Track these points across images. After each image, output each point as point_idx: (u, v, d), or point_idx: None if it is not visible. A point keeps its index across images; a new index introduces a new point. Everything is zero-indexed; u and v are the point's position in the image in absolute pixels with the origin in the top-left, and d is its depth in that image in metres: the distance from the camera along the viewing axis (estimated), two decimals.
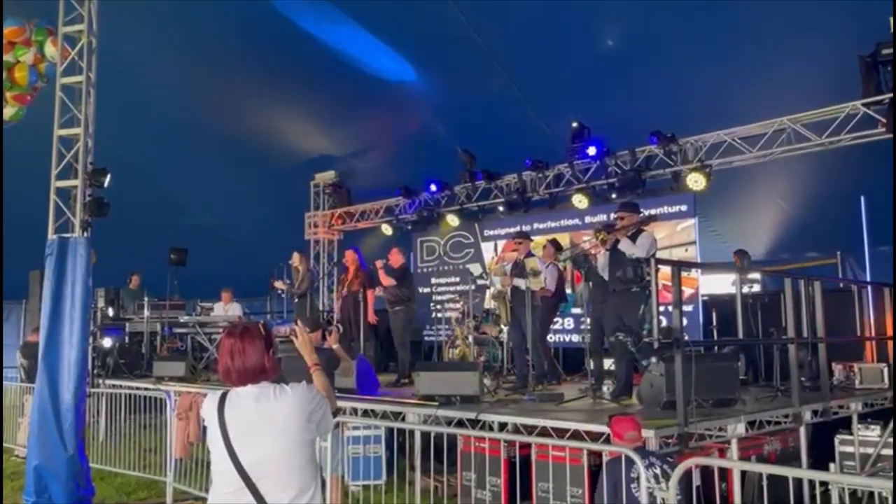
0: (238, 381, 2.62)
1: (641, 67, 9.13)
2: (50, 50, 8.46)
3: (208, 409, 2.63)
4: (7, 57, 8.81)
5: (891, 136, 7.50)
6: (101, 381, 9.56)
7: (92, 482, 7.00)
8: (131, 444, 8.30)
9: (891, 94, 7.48)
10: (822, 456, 6.50)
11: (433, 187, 12.10)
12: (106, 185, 7.44)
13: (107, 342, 10.33)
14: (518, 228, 10.69)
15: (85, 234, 7.22)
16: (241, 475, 2.49)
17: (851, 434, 6.59)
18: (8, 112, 9.18)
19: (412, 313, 9.40)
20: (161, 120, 11.31)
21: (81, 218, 7.26)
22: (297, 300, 10.50)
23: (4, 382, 10.74)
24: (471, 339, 9.19)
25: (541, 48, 9.33)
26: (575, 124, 9.89)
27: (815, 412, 6.21)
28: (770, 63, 8.45)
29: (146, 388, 8.63)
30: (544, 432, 5.42)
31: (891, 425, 6.37)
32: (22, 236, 9.38)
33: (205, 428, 2.68)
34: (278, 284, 10.44)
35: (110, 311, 11.20)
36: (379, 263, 9.09)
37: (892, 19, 7.13)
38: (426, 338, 12.24)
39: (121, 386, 9.12)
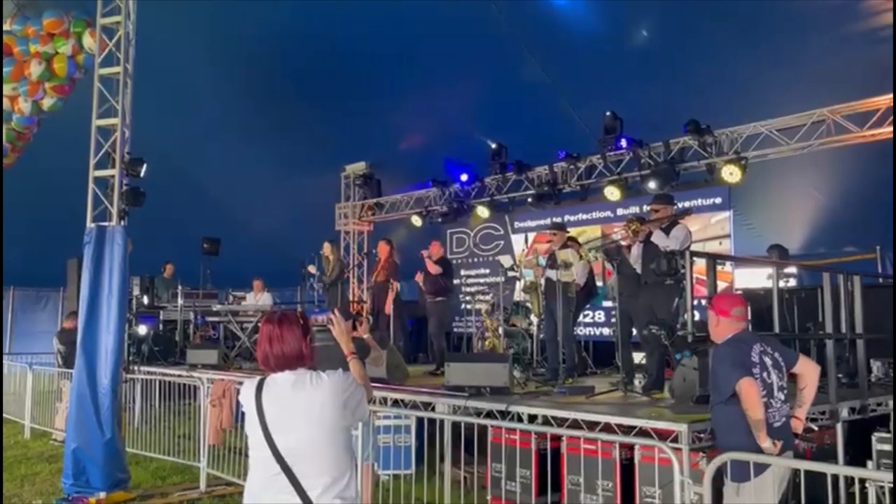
0: (276, 368, 2.66)
1: (676, 58, 8.99)
2: (88, 41, 8.62)
3: (246, 395, 2.67)
4: (46, 48, 8.99)
5: None
6: (136, 367, 9.73)
7: (128, 466, 7.15)
8: (165, 429, 8.44)
9: None
10: (858, 454, 6.37)
11: (464, 177, 12.07)
12: (142, 174, 7.55)
13: (142, 329, 10.50)
14: (549, 220, 10.64)
15: (122, 223, 7.35)
16: (277, 460, 2.53)
17: (889, 432, 6.45)
18: (47, 103, 9.37)
19: (450, 304, 9.42)
20: (195, 111, 11.44)
21: (118, 207, 7.38)
22: (328, 290, 10.58)
23: (42, 368, 11.02)
24: (500, 331, 9.18)
25: (575, 39, 9.24)
26: (608, 113, 9.77)
27: (852, 409, 6.09)
28: (809, 53, 8.28)
29: (180, 375, 8.76)
30: (575, 425, 5.38)
31: None
32: (60, 225, 9.58)
33: (242, 413, 2.72)
34: (311, 269, 10.51)
35: (145, 300, 11.37)
36: (425, 253, 9.10)
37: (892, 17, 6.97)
38: (456, 329, 12.26)
39: (155, 373, 9.27)
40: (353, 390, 2.68)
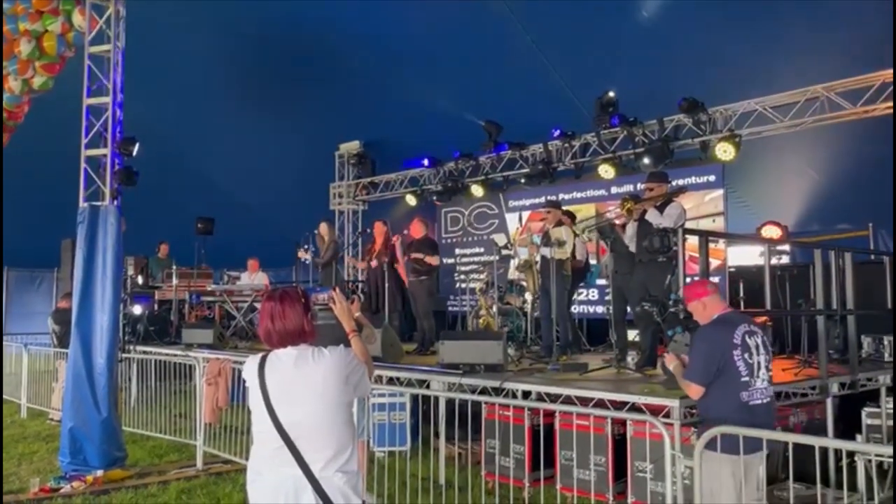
0: (278, 344, 2.70)
1: (670, 35, 8.95)
2: (77, 19, 8.50)
3: (249, 371, 2.71)
4: (35, 26, 8.88)
5: None
6: (131, 347, 9.75)
7: (125, 444, 7.20)
8: (162, 408, 8.49)
9: None
10: (848, 428, 6.46)
11: (456, 155, 12.04)
12: (135, 154, 7.52)
13: (137, 309, 10.51)
14: (544, 198, 10.63)
15: (115, 203, 7.33)
16: (280, 434, 2.57)
17: (879, 407, 6.53)
18: (37, 81, 9.27)
19: (435, 282, 9.36)
20: (189, 91, 11.36)
21: (111, 186, 7.36)
22: (322, 270, 10.56)
23: (38, 348, 11.04)
24: (495, 309, 9.20)
25: (570, 15, 9.18)
26: (611, 94, 9.69)
27: (842, 385, 6.15)
28: (803, 29, 8.24)
29: (175, 355, 8.79)
30: (568, 401, 5.43)
31: None
32: (54, 205, 9.54)
33: (243, 390, 2.75)
34: (302, 254, 10.49)
35: (140, 280, 11.38)
36: (413, 256, 8.90)
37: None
38: (450, 308, 12.29)
39: (151, 352, 9.30)
40: (354, 365, 2.73)
